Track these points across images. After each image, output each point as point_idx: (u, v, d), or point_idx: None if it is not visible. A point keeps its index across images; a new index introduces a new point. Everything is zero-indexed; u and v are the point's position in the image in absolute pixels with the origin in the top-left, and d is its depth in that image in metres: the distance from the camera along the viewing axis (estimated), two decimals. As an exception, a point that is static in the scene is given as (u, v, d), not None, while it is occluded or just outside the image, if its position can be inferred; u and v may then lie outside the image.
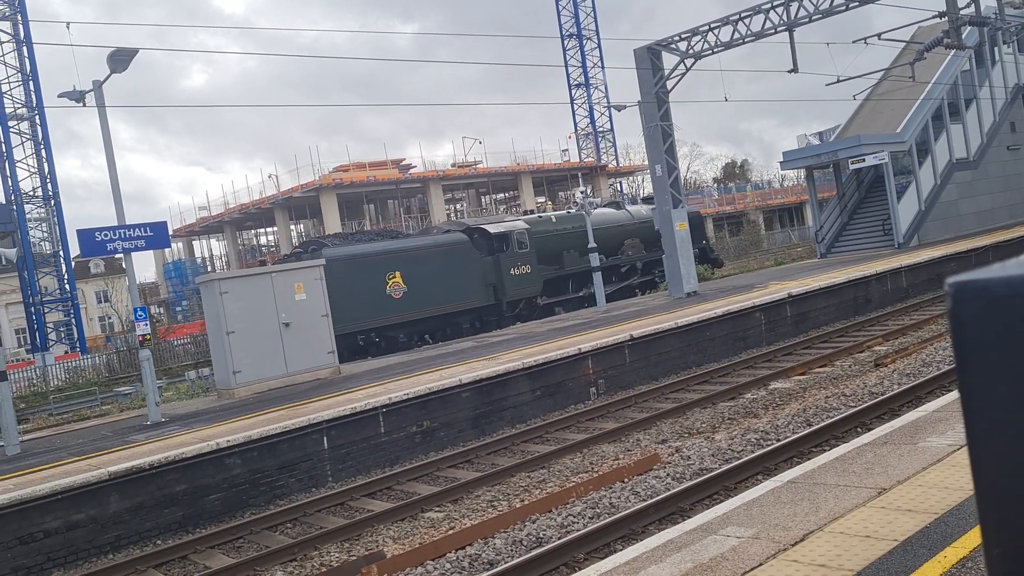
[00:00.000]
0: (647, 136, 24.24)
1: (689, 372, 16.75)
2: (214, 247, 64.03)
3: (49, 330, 39.52)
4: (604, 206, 32.37)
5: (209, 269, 58.92)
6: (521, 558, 7.58)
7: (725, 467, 9.50)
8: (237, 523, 10.65)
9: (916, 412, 8.23)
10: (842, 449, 7.35)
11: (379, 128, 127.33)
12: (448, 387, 13.56)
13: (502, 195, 61.34)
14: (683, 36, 23.62)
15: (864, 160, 29.48)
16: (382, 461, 12.61)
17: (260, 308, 16.52)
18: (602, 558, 6.46)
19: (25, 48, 38.70)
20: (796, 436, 10.33)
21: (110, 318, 58.90)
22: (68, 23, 19.19)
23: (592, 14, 65.39)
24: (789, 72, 22.35)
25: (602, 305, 23.75)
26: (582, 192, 35.08)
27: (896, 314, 20.88)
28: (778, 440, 10.56)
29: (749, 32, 22.64)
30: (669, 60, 23.96)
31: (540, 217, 29.23)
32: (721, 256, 48.58)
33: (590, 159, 61.96)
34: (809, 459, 8.24)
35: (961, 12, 21.34)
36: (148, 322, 14.82)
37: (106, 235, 14.34)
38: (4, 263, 18.70)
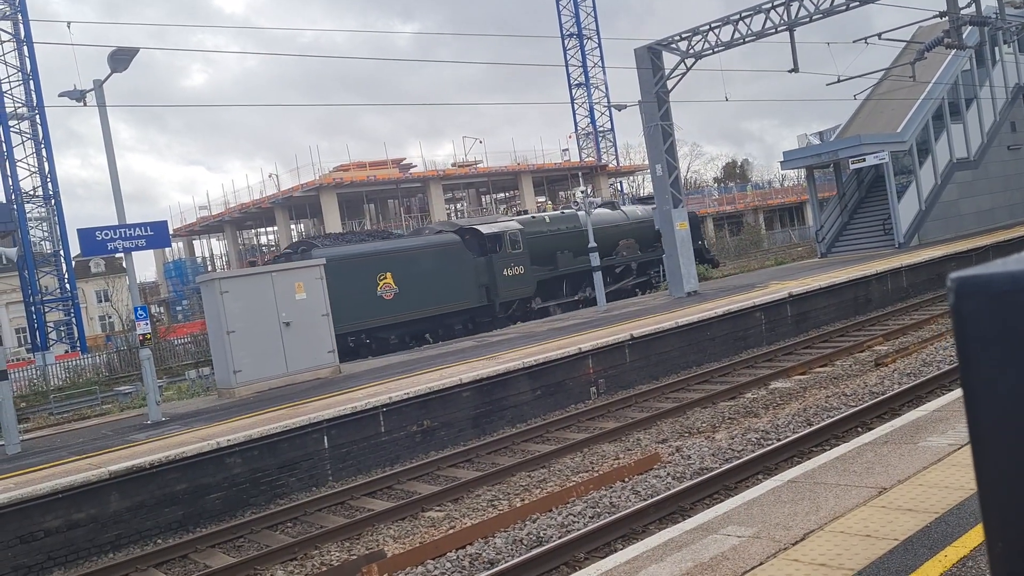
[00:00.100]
0: (647, 136, 24.24)
1: (689, 372, 16.74)
2: (214, 246, 64.11)
3: (49, 329, 39.53)
4: (599, 206, 32.28)
5: (209, 269, 58.94)
6: (521, 557, 7.58)
7: (725, 466, 9.50)
8: (237, 522, 10.66)
9: (917, 412, 8.23)
10: (843, 448, 7.35)
11: (379, 128, 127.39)
12: (448, 386, 13.56)
13: (502, 195, 61.34)
14: (683, 36, 23.62)
15: (864, 160, 29.47)
16: (382, 460, 12.61)
17: (261, 307, 16.52)
18: (602, 557, 6.46)
19: (25, 47, 38.71)
20: (796, 435, 10.33)
21: (110, 317, 58.94)
22: (69, 23, 19.17)
23: (592, 13, 65.41)
24: (790, 72, 22.35)
25: (602, 305, 23.75)
26: (582, 192, 35.03)
27: (896, 314, 20.88)
28: (778, 439, 10.56)
29: (750, 32, 22.64)
30: (669, 60, 23.98)
31: (534, 218, 29.00)
32: (722, 256, 48.53)
33: (590, 159, 61.96)
34: (810, 458, 8.24)
35: (962, 12, 21.34)
36: (148, 321, 14.83)
37: (106, 234, 14.34)
38: (4, 262, 18.71)
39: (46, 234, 39.90)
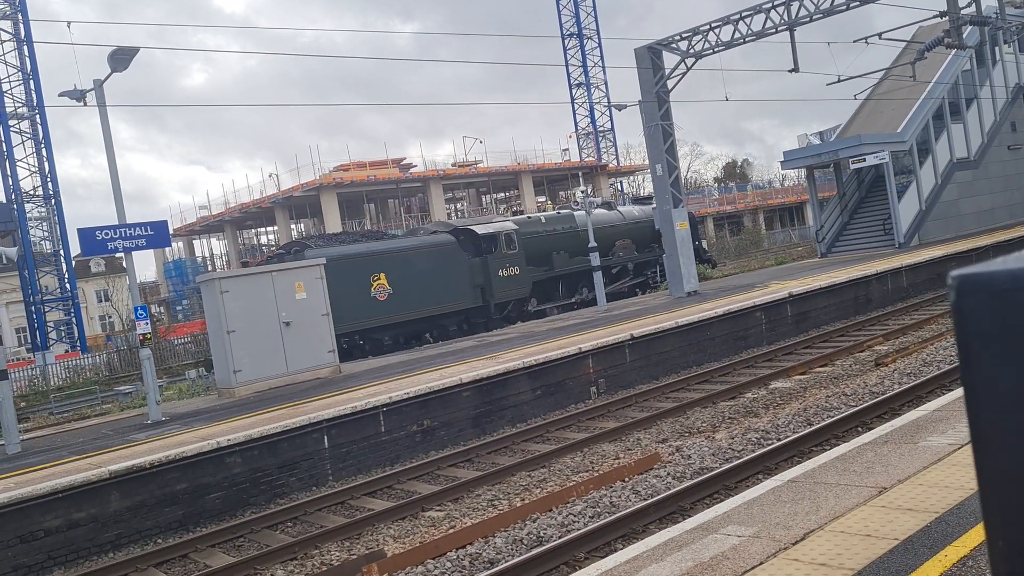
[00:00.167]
0: (647, 136, 24.23)
1: (690, 371, 16.74)
2: (215, 246, 64.12)
3: (50, 329, 39.54)
4: (597, 207, 32.15)
5: (209, 268, 58.94)
6: (522, 557, 7.58)
7: (726, 466, 9.50)
8: (237, 522, 10.66)
9: (917, 411, 8.23)
10: (843, 448, 7.35)
11: (379, 127, 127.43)
12: (449, 386, 13.56)
13: (502, 194, 61.34)
14: (684, 35, 23.62)
15: (865, 160, 29.47)
16: (382, 460, 12.61)
17: (261, 307, 16.52)
18: (603, 557, 6.46)
19: (26, 47, 38.72)
20: (797, 435, 10.33)
21: (110, 317, 58.94)
22: (69, 22, 19.20)
23: (592, 13, 65.40)
24: (790, 72, 22.35)
25: (602, 304, 23.74)
26: (583, 192, 35.00)
27: (897, 314, 20.88)
28: (779, 439, 10.56)
29: (750, 31, 22.64)
30: (670, 59, 23.97)
31: (529, 218, 28.79)
32: (722, 256, 48.50)
33: (591, 159, 61.96)
34: (810, 458, 8.25)
35: (962, 12, 21.34)
36: (148, 321, 14.83)
37: (107, 234, 14.35)
38: (5, 262, 18.71)
39: (46, 234, 39.92)
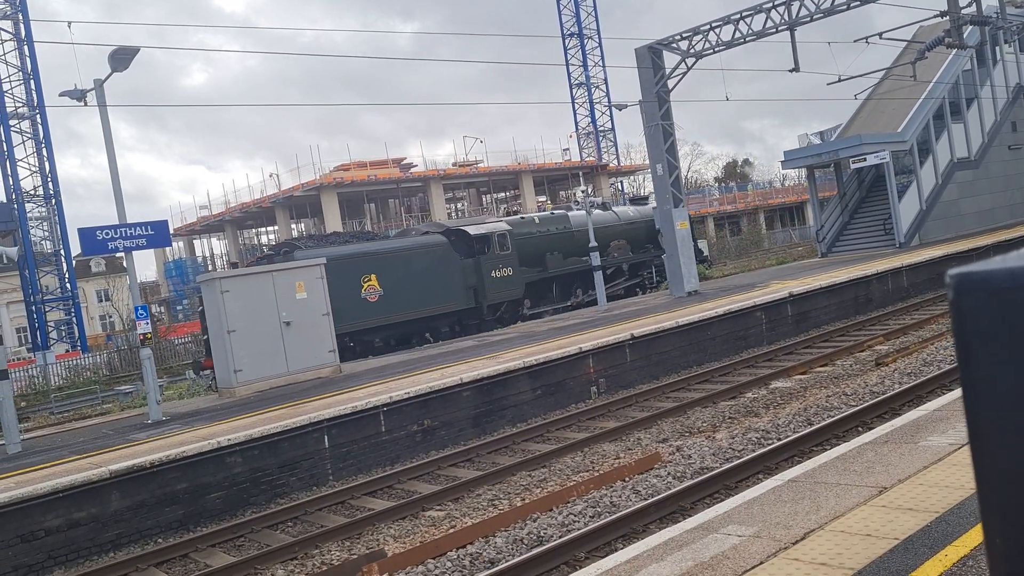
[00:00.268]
0: (648, 135, 24.23)
1: (690, 371, 16.74)
2: (215, 246, 64.12)
3: (50, 329, 39.55)
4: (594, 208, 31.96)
5: (210, 268, 58.95)
6: (522, 557, 7.58)
7: (726, 466, 9.50)
8: (238, 522, 10.66)
9: (917, 411, 8.23)
10: (843, 448, 7.35)
11: (379, 127, 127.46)
12: (449, 386, 13.56)
13: (503, 194, 61.34)
14: (684, 35, 23.62)
15: (865, 159, 29.46)
16: (383, 460, 12.61)
17: (261, 307, 16.53)
18: (603, 557, 6.46)
19: (26, 47, 38.72)
20: (797, 435, 10.33)
21: (111, 317, 58.96)
22: (69, 22, 19.21)
23: (593, 13, 65.38)
24: (790, 71, 22.35)
25: (602, 304, 23.74)
26: (583, 192, 34.98)
27: (897, 313, 20.88)
28: (779, 439, 10.55)
29: (750, 31, 22.64)
30: (670, 59, 23.97)
31: (523, 218, 28.50)
32: (722, 256, 48.47)
33: (591, 158, 61.95)
34: (810, 458, 8.25)
35: (962, 11, 21.34)
36: (149, 321, 14.83)
37: (107, 234, 14.35)
38: (5, 262, 18.72)
39: (47, 233, 39.92)
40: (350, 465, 12.32)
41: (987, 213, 33.88)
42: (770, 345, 18.52)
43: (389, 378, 15.37)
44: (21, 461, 12.20)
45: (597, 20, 65.45)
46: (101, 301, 67.96)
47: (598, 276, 24.01)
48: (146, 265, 72.12)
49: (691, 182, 78.14)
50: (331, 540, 9.46)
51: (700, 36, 23.32)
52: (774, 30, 22.23)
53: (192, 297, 50.36)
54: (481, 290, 24.57)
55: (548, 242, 27.16)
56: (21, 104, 38.92)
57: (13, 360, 38.96)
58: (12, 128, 38.55)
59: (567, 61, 65.10)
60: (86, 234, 14.37)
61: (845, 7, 21.45)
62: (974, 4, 21.62)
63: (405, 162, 52.75)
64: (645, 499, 8.92)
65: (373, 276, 22.05)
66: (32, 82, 38.88)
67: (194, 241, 63.25)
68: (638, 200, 35.20)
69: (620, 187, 67.15)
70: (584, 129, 65.75)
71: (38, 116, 39.00)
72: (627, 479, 9.90)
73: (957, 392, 9.08)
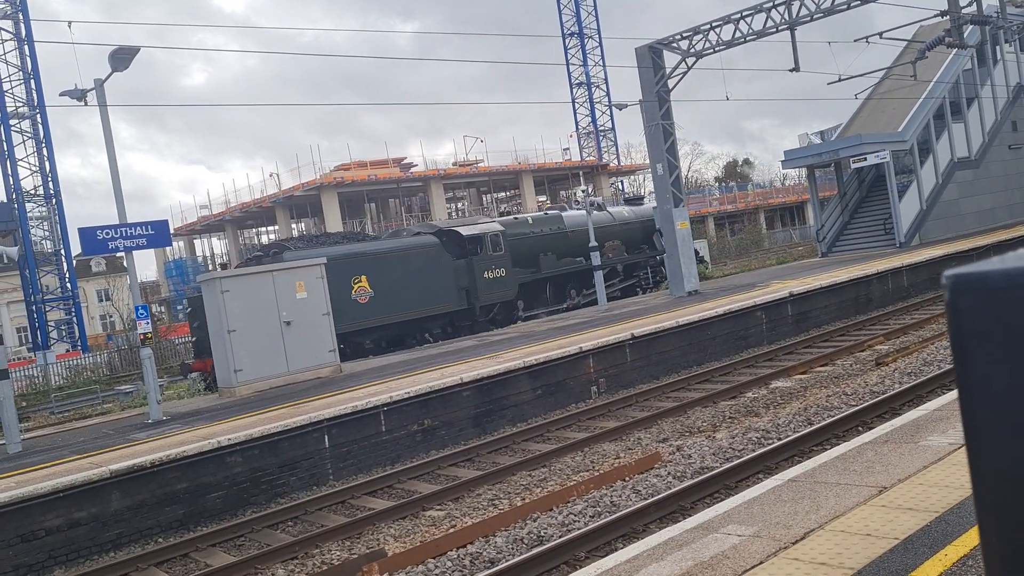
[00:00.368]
0: (648, 135, 24.22)
1: (690, 371, 16.74)
2: (215, 246, 64.13)
3: (50, 328, 39.56)
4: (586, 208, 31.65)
5: (210, 268, 58.94)
6: (522, 556, 7.59)
7: (726, 466, 9.50)
8: (238, 521, 10.66)
9: (917, 411, 8.23)
10: (843, 448, 7.35)
11: (380, 127, 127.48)
12: (449, 386, 13.56)
13: (503, 194, 61.34)
14: (684, 35, 23.62)
15: (865, 159, 29.46)
16: (383, 459, 12.62)
17: (261, 307, 16.53)
18: (603, 556, 6.46)
19: (26, 46, 38.74)
20: (797, 435, 10.33)
21: (111, 316, 58.99)
22: (69, 22, 19.19)
23: (593, 12, 65.36)
24: (790, 71, 22.34)
25: (603, 304, 23.74)
26: (583, 191, 34.93)
27: (897, 313, 20.88)
28: (779, 439, 10.56)
29: (750, 31, 22.64)
30: (670, 59, 23.97)
31: (516, 219, 28.22)
32: (722, 256, 48.44)
33: (591, 158, 61.94)
34: (810, 458, 8.25)
35: (963, 11, 21.33)
36: (149, 320, 14.82)
37: (107, 233, 14.35)
38: (6, 261, 18.72)
39: (47, 233, 39.93)
40: (350, 465, 12.33)
41: (987, 213, 33.88)
42: (770, 345, 18.53)
43: (389, 378, 15.37)
44: (21, 461, 12.20)
45: (597, 19, 65.47)
46: (101, 301, 68.00)
47: (598, 275, 23.98)
48: (146, 265, 72.21)
49: (691, 182, 78.13)
50: (331, 540, 9.46)
51: (700, 36, 23.32)
52: (774, 30, 22.22)
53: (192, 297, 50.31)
54: (474, 291, 24.31)
55: (542, 243, 26.86)
56: (21, 104, 38.93)
57: (13, 360, 38.98)
58: (12, 128, 38.57)
59: (567, 61, 65.09)
60: (86, 234, 14.37)
61: (845, 7, 21.45)
62: (974, 4, 21.62)
63: (405, 162, 52.75)
64: (645, 499, 8.92)
65: (364, 277, 21.80)
66: (32, 82, 38.90)
67: (194, 241, 63.26)
68: (633, 200, 34.93)
69: (620, 187, 67.12)
70: (584, 129, 65.74)
71: (38, 116, 39.02)
72: (627, 479, 9.90)
73: (957, 391, 9.07)
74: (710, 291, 24.13)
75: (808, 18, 21.78)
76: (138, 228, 14.66)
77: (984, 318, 0.74)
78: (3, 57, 38.76)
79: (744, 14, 22.57)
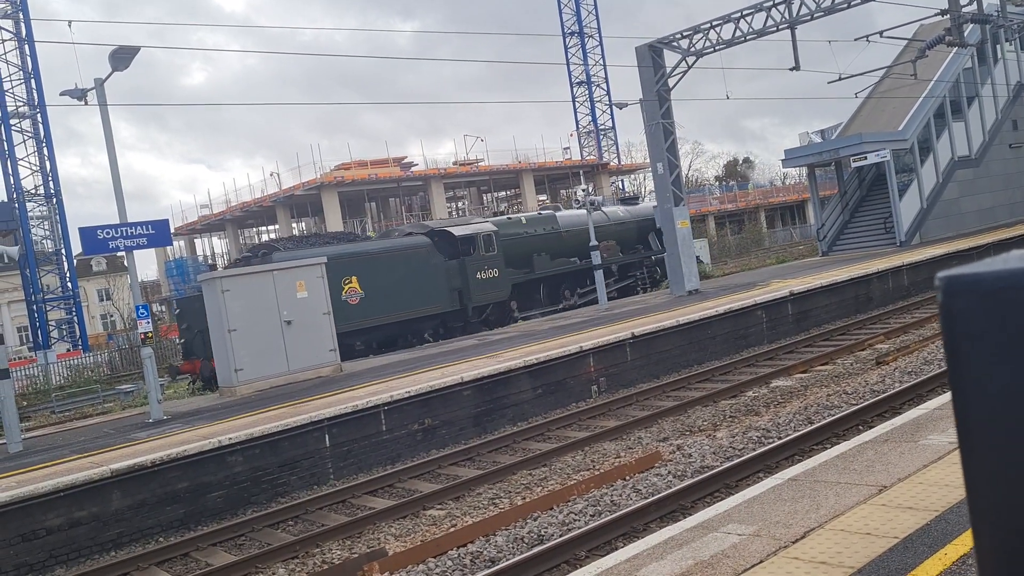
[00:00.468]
0: (648, 134, 24.21)
1: (690, 370, 16.75)
2: (216, 245, 64.15)
3: (51, 328, 39.58)
4: (581, 207, 31.44)
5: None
6: (522, 555, 7.59)
7: (726, 465, 9.50)
8: (239, 520, 10.67)
9: (917, 410, 8.23)
10: (843, 447, 7.35)
11: (380, 126, 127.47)
12: (450, 385, 13.56)
13: (504, 193, 61.34)
14: (684, 34, 23.61)
15: (866, 158, 29.45)
16: (384, 459, 12.62)
17: (262, 306, 16.53)
18: (603, 555, 6.47)
19: (27, 46, 38.74)
20: (797, 434, 10.34)
21: (112, 316, 59.01)
22: (69, 21, 19.22)
23: (593, 11, 65.33)
24: (791, 70, 22.32)
25: (603, 303, 23.74)
26: (583, 191, 34.88)
27: (898, 312, 20.87)
28: (779, 438, 10.56)
29: (751, 30, 22.62)
30: (671, 58, 23.96)
31: (509, 219, 27.99)
32: (723, 255, 48.42)
33: (592, 157, 61.93)
34: (810, 457, 8.24)
35: (963, 10, 21.32)
36: (150, 320, 14.83)
37: (108, 233, 14.35)
38: (6, 261, 18.73)
39: (47, 232, 39.96)
40: (351, 464, 12.34)
41: (988, 212, 33.86)
42: (771, 344, 18.53)
43: (390, 377, 15.38)
44: (22, 460, 12.21)
45: (598, 18, 65.45)
46: (102, 300, 68.00)
47: (598, 275, 23.96)
48: (147, 264, 72.24)
49: (692, 181, 78.09)
50: (332, 539, 9.47)
51: (700, 35, 23.31)
52: (775, 28, 22.21)
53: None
54: (466, 292, 24.06)
55: (535, 243, 26.62)
56: (22, 103, 38.95)
57: (14, 359, 38.99)
58: (13, 127, 38.58)
59: (568, 59, 65.05)
60: (87, 233, 14.38)
61: (845, 5, 21.43)
62: (975, 2, 21.60)
63: (406, 161, 52.77)
64: (645, 498, 8.93)
65: (354, 278, 21.56)
66: (33, 81, 38.91)
67: (195, 240, 63.28)
68: (629, 200, 34.73)
69: (621, 186, 67.12)
70: (585, 128, 65.72)
71: (39, 115, 39.03)
72: (627, 478, 9.91)
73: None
74: (710, 290, 24.13)
75: (808, 17, 21.77)
76: (139, 227, 14.67)
77: (978, 320, 0.75)
78: (3, 57, 38.79)
79: (744, 13, 22.56)
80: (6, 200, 37.76)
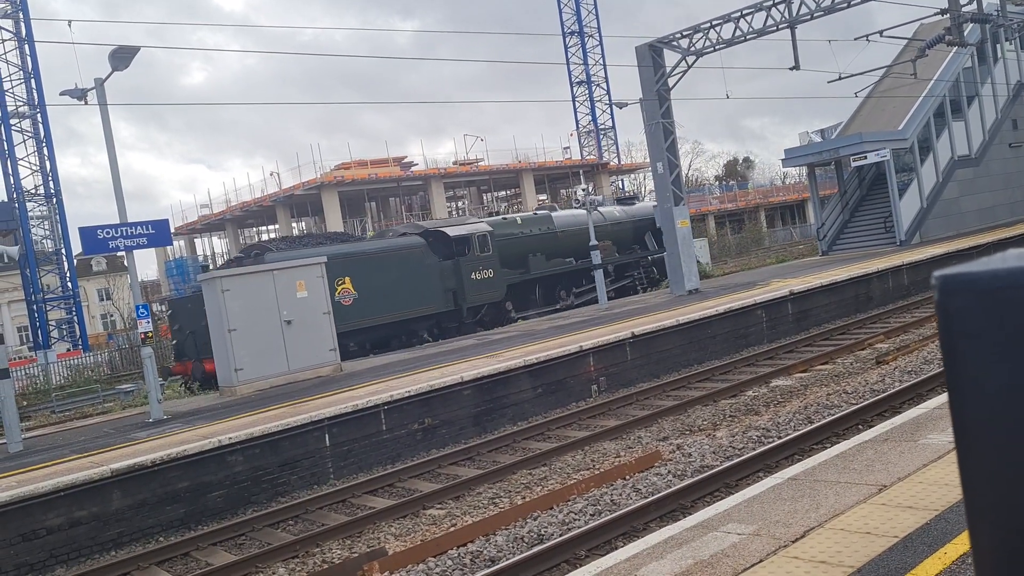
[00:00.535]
0: (648, 133, 24.21)
1: (691, 369, 16.75)
2: (216, 245, 64.15)
3: (51, 327, 39.58)
4: (578, 207, 31.32)
5: (210, 267, 58.96)
6: (522, 555, 7.59)
7: (726, 464, 9.51)
8: (239, 520, 10.67)
9: (917, 409, 8.23)
10: (843, 446, 7.35)
11: (380, 126, 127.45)
12: (450, 384, 13.57)
13: (504, 193, 61.33)
14: (684, 33, 23.61)
15: (866, 157, 29.46)
16: (384, 458, 12.63)
17: (262, 306, 16.53)
18: (603, 555, 6.47)
19: (26, 46, 38.74)
20: (797, 433, 10.34)
21: (112, 315, 59.01)
22: (69, 21, 19.22)
23: (594, 11, 65.32)
24: (791, 69, 22.32)
25: (603, 302, 23.74)
26: (584, 190, 34.84)
27: (898, 312, 20.88)
28: (779, 437, 10.56)
29: (751, 29, 22.62)
30: (671, 57, 23.95)
31: (504, 219, 27.84)
32: (723, 254, 48.43)
33: (592, 157, 61.93)
34: (810, 456, 8.24)
35: (963, 9, 21.32)
36: (150, 319, 14.83)
37: (108, 233, 14.35)
38: (6, 260, 18.72)
39: (47, 232, 39.96)
40: (351, 464, 12.34)
41: (988, 211, 33.86)
42: (771, 343, 18.53)
43: (389, 377, 15.38)
44: (22, 460, 12.21)
45: (598, 18, 65.44)
46: (102, 300, 68.00)
47: (598, 274, 23.95)
48: (147, 264, 72.26)
49: (692, 180, 78.10)
50: (332, 538, 9.47)
51: (700, 34, 23.30)
52: (774, 28, 22.21)
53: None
54: (461, 292, 23.92)
55: (531, 243, 26.49)
56: (22, 103, 38.95)
57: (14, 359, 38.98)
58: (13, 127, 38.58)
59: (568, 59, 65.04)
60: (87, 233, 14.38)
61: (845, 5, 21.42)
62: (975, 2, 21.60)
63: (406, 161, 52.77)
64: (645, 497, 8.93)
65: (347, 279, 21.41)
66: (33, 81, 38.91)
67: (195, 240, 63.28)
68: (625, 200, 34.59)
69: (621, 185, 67.12)
70: (585, 127, 65.71)
71: (39, 115, 39.03)
72: (627, 477, 9.91)
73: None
74: (710, 290, 24.13)
75: (808, 16, 21.76)
76: (139, 227, 14.67)
77: (975, 319, 0.75)
78: (3, 56, 38.78)
79: (744, 12, 22.55)
80: (6, 200, 37.76)
